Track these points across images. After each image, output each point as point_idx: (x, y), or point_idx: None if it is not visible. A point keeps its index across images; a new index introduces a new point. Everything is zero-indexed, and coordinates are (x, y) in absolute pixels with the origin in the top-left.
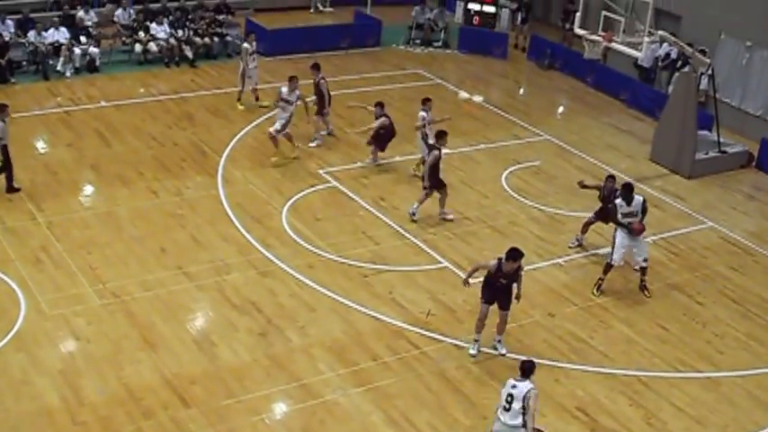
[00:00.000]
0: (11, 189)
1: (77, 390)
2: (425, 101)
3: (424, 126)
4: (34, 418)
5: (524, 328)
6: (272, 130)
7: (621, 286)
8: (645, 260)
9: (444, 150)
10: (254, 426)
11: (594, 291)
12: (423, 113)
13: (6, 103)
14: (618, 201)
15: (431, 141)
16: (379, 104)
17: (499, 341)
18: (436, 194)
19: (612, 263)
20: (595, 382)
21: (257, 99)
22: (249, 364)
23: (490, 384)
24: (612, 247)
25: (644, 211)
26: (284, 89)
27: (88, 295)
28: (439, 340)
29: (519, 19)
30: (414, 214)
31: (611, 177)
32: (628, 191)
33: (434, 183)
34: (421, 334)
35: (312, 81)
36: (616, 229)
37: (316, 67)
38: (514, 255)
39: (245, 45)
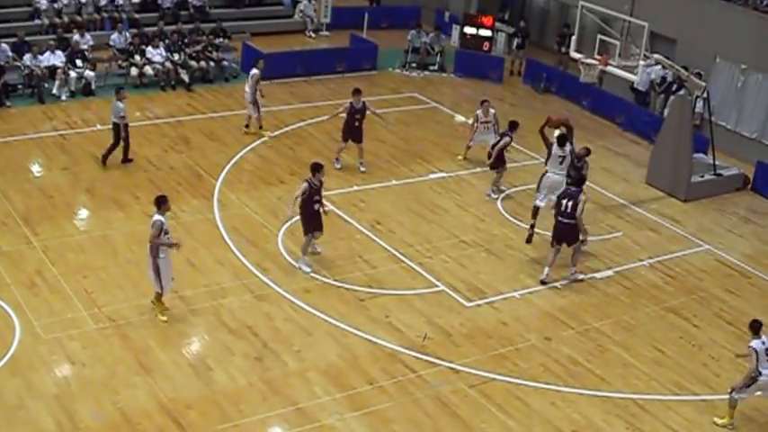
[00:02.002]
0: (126, 159)
1: (72, 414)
2: (483, 102)
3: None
4: None
5: (521, 352)
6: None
7: (618, 310)
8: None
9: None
10: None
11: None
12: (477, 112)
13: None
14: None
15: (501, 131)
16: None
17: None
18: (494, 173)
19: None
20: (592, 406)
21: (261, 127)
22: (245, 389)
23: (487, 408)
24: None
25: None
26: (479, 112)
27: (83, 319)
28: (435, 364)
29: (515, 44)
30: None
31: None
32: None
33: (498, 163)
34: (417, 358)
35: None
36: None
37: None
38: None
39: (256, 71)
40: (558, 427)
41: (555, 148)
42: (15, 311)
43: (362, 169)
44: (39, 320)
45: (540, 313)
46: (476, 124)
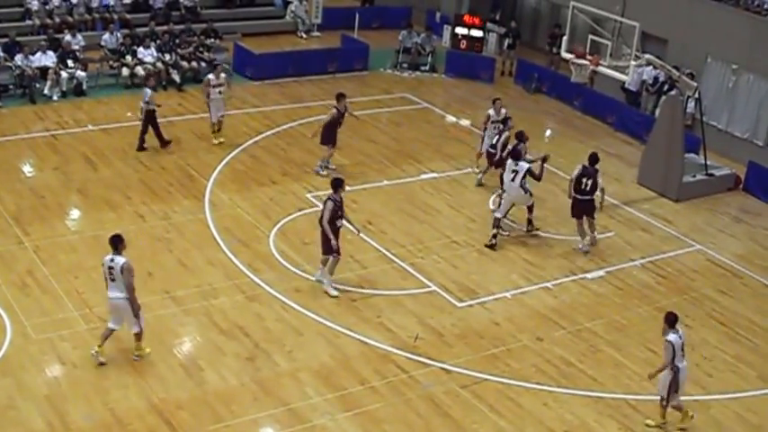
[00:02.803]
0: (163, 143)
1: (63, 415)
2: (495, 100)
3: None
4: None
5: (513, 353)
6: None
7: (610, 310)
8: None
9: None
10: None
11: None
12: (489, 111)
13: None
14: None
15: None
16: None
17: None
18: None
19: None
20: (584, 406)
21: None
22: (236, 389)
23: (479, 409)
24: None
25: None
26: (491, 111)
27: (74, 320)
28: (427, 364)
29: (506, 44)
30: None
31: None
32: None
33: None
34: (409, 358)
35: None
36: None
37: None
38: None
39: (210, 76)
40: (550, 427)
41: (509, 162)
42: (6, 312)
43: (323, 173)
44: (30, 321)
45: (531, 313)
46: (486, 124)
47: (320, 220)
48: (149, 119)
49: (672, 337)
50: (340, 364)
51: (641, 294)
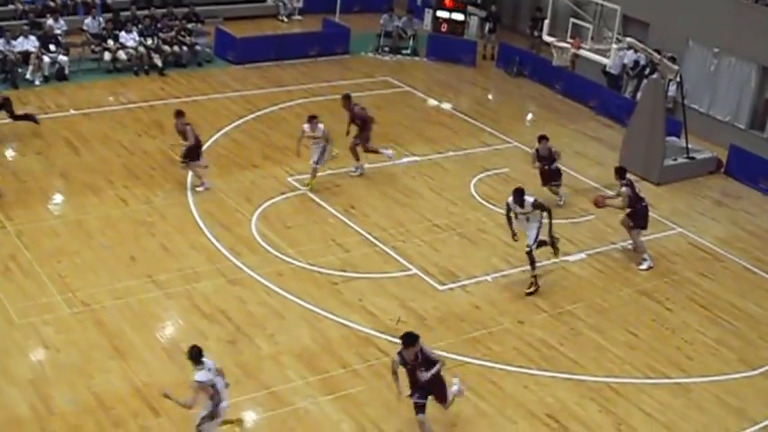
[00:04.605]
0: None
1: (47, 399)
2: (311, 118)
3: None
4: (3, 427)
5: (494, 335)
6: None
7: (591, 293)
8: (527, 246)
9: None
10: None
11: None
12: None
13: None
14: (510, 200)
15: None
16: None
17: None
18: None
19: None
20: (565, 389)
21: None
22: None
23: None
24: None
25: (538, 207)
26: (306, 126)
27: (58, 304)
28: None
29: (487, 29)
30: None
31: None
32: (518, 195)
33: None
34: (391, 341)
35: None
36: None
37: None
38: (406, 340)
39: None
40: (531, 410)
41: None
42: None
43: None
44: (13, 305)
45: (512, 297)
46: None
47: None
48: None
49: (200, 375)
50: (322, 347)
51: (622, 277)
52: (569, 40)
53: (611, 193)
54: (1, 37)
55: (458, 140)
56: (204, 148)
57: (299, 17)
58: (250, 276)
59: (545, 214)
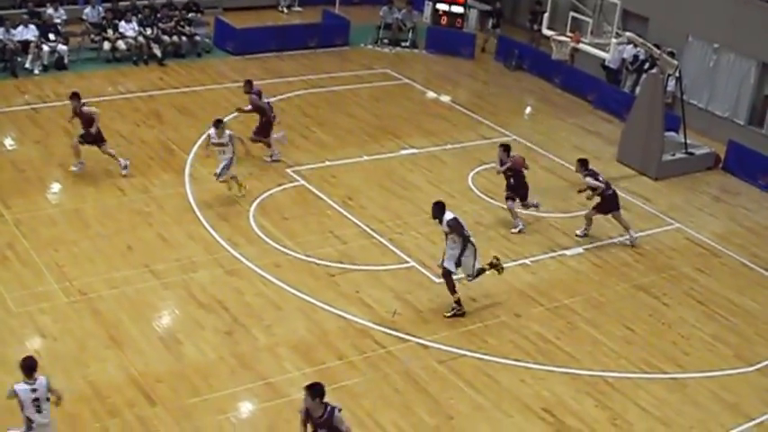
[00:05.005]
0: None
1: None
2: (218, 122)
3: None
4: None
5: (490, 329)
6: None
7: (588, 287)
8: (439, 265)
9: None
10: (220, 424)
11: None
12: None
13: None
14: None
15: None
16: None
17: None
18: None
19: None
20: (561, 383)
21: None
22: (215, 363)
23: (456, 384)
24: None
25: (454, 228)
26: (212, 132)
27: (54, 293)
28: (405, 339)
29: (490, 24)
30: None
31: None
32: (438, 209)
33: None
34: (387, 333)
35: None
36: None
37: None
38: (310, 391)
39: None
40: (526, 403)
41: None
42: None
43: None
44: (10, 293)
45: (509, 290)
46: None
47: None
48: None
49: (18, 387)
50: (318, 338)
51: (619, 272)
52: (569, 33)
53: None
54: (1, 26)
55: (456, 133)
56: (203, 138)
57: (299, 8)
58: (247, 267)
59: (460, 240)
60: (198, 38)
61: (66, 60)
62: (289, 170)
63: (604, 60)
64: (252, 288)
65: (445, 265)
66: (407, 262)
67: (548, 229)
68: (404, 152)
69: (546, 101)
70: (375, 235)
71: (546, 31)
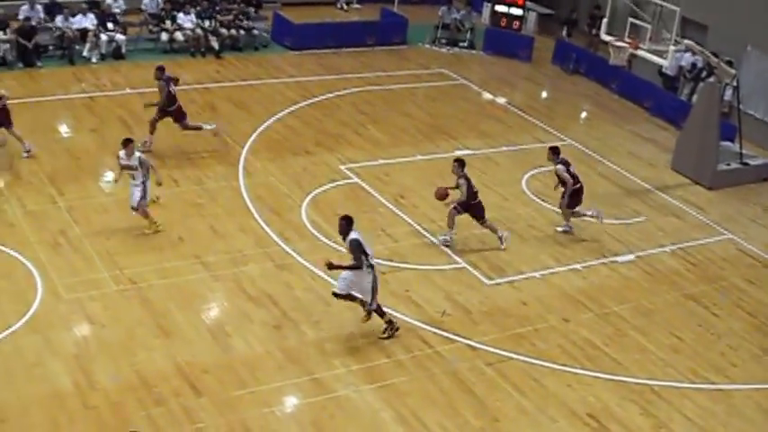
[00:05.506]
0: None
1: (90, 374)
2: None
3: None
4: (45, 400)
5: (539, 333)
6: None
7: (638, 295)
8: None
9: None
10: (265, 417)
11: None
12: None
13: None
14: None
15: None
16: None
17: None
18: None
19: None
20: (607, 390)
21: None
22: (262, 356)
23: (503, 387)
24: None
25: (354, 250)
26: (121, 153)
27: (105, 280)
28: (453, 340)
29: (564, 32)
30: None
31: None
32: (344, 224)
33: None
34: (435, 333)
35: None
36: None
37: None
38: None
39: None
40: (572, 409)
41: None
42: (38, 270)
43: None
44: (61, 280)
45: (559, 294)
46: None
47: None
48: None
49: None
50: (366, 336)
51: (670, 281)
52: (627, 39)
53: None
54: (59, 14)
55: (511, 135)
56: (258, 132)
57: (358, 6)
58: (298, 262)
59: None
60: (256, 32)
61: (123, 50)
62: (342, 167)
63: (662, 67)
64: (302, 283)
65: (340, 286)
66: (458, 263)
67: (600, 235)
68: (458, 152)
69: (602, 106)
70: (426, 234)
71: (604, 37)
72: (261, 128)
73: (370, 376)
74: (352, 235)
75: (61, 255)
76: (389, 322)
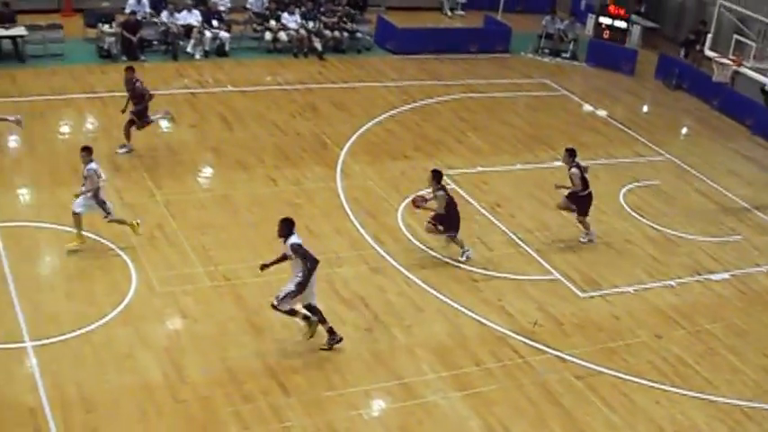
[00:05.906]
0: None
1: (180, 368)
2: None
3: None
4: (135, 391)
5: (630, 348)
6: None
7: (732, 314)
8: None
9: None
10: (352, 420)
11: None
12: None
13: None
14: None
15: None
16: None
17: None
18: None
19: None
20: (696, 408)
21: None
22: (352, 359)
23: (591, 401)
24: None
25: (298, 253)
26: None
27: (199, 276)
28: (543, 351)
29: (682, 53)
30: None
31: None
32: (284, 227)
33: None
34: (526, 343)
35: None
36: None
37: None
38: None
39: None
40: (660, 426)
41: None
42: (133, 262)
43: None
44: (155, 273)
45: (652, 310)
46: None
47: None
48: None
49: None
50: (457, 343)
51: (764, 301)
52: (731, 56)
53: (427, 193)
54: (165, 9)
55: (611, 149)
56: (357, 134)
57: (462, 12)
58: (392, 266)
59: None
60: (359, 35)
61: (227, 47)
62: None
63: (765, 85)
64: (395, 287)
65: (280, 298)
66: (552, 274)
67: (696, 252)
68: (557, 163)
69: (703, 122)
70: (522, 244)
71: (708, 53)
72: (360, 130)
73: (459, 383)
74: (293, 239)
75: (157, 248)
76: (307, 319)
